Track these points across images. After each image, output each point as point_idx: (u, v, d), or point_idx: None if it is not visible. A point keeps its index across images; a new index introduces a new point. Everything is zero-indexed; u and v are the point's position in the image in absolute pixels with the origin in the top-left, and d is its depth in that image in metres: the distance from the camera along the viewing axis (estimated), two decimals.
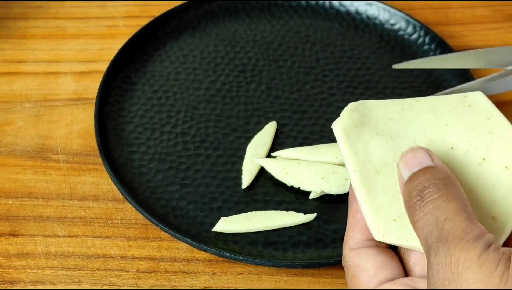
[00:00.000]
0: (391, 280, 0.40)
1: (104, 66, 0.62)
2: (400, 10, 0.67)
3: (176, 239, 0.51)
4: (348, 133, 0.42)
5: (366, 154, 0.42)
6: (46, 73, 0.63)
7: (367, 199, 0.40)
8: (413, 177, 0.39)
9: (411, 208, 0.38)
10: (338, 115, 0.60)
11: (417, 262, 0.41)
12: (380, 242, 0.41)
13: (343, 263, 0.43)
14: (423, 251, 0.37)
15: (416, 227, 0.37)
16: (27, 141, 0.58)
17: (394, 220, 0.40)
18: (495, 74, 0.49)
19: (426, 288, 0.38)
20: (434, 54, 0.65)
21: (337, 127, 0.43)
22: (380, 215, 0.40)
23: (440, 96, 0.45)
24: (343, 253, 0.42)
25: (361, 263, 0.41)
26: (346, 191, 0.53)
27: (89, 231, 0.52)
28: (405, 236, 0.40)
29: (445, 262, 0.35)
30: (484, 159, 0.42)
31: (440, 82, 0.63)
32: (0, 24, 0.68)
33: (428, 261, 0.36)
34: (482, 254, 0.34)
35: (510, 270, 0.33)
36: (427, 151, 0.39)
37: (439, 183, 0.38)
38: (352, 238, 0.42)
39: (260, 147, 0.56)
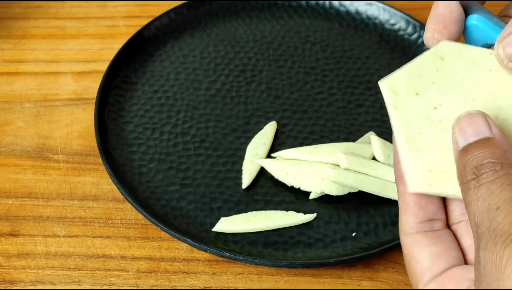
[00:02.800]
0: (444, 271, 0.39)
1: (104, 66, 0.62)
2: (400, 10, 0.67)
3: (176, 239, 0.51)
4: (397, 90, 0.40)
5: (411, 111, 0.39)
6: (46, 73, 0.63)
7: (407, 150, 0.38)
8: (469, 148, 0.37)
9: (465, 185, 0.36)
10: (338, 115, 0.60)
11: (468, 233, 0.40)
12: (434, 224, 0.40)
13: (403, 249, 0.41)
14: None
15: (468, 209, 0.36)
16: (27, 141, 0.58)
17: (430, 170, 0.38)
18: None
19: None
20: None
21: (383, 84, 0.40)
22: (418, 165, 0.38)
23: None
24: (400, 238, 0.41)
25: (415, 254, 0.40)
26: (346, 192, 0.53)
27: (89, 231, 0.52)
28: (447, 185, 0.38)
29: (491, 258, 0.33)
30: None
31: None
32: (0, 24, 0.68)
33: (476, 253, 0.35)
34: None
35: None
36: (486, 118, 0.37)
37: (496, 163, 0.36)
38: (405, 223, 0.41)
39: (260, 147, 0.56)
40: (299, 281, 0.50)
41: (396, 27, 0.67)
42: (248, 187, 0.54)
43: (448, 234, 0.41)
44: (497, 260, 0.33)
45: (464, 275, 0.39)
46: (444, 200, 0.41)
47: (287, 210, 0.53)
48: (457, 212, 0.41)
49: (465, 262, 0.40)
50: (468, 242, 0.40)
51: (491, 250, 0.34)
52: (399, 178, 0.41)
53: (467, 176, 0.37)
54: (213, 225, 0.52)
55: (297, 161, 0.54)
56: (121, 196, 0.54)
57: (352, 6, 0.69)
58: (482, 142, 0.37)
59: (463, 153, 0.37)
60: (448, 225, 0.41)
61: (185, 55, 0.64)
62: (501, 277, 0.33)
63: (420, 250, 0.40)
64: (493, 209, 0.34)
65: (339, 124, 0.59)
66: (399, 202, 0.41)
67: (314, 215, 0.53)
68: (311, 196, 0.54)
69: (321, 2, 0.69)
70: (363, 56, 0.65)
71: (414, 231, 0.41)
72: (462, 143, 0.37)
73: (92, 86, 0.62)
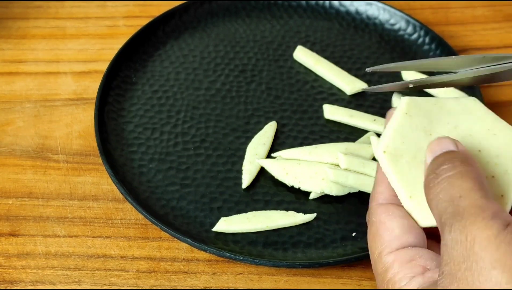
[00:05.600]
0: (413, 246, 0.40)
1: (104, 66, 0.62)
2: (400, 10, 0.67)
3: (176, 239, 0.51)
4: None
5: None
6: (46, 73, 0.63)
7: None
8: (434, 159, 0.39)
9: (426, 187, 0.38)
10: None
11: None
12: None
13: (367, 218, 0.42)
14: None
15: (431, 205, 0.37)
16: (27, 141, 0.58)
17: (410, 197, 0.41)
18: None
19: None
20: (434, 54, 0.65)
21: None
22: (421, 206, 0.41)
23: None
24: (369, 207, 0.42)
25: (386, 221, 0.41)
26: (346, 193, 0.53)
27: (89, 231, 0.52)
28: (421, 215, 0.40)
29: (460, 239, 0.34)
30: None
31: None
32: (0, 24, 0.68)
33: (442, 238, 0.36)
34: (499, 233, 0.33)
35: None
36: (453, 140, 0.39)
37: (455, 160, 0.37)
38: (380, 193, 0.42)
39: (260, 147, 0.56)
40: (299, 281, 0.50)
41: (396, 27, 0.67)
42: (248, 187, 0.54)
43: None
44: (468, 241, 0.34)
45: (434, 257, 0.39)
46: None
47: (287, 210, 0.53)
48: None
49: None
50: None
51: (459, 231, 0.34)
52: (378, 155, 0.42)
53: (428, 177, 0.38)
54: (213, 225, 0.52)
55: (297, 161, 0.54)
56: (121, 196, 0.54)
57: (352, 6, 0.69)
58: (446, 153, 0.39)
59: (429, 165, 0.39)
60: None
61: (185, 55, 0.64)
62: (474, 258, 0.33)
63: (392, 220, 0.41)
64: (456, 197, 0.36)
65: (339, 124, 0.59)
66: (376, 175, 0.43)
67: (314, 215, 0.53)
68: (311, 196, 0.54)
69: (321, 2, 0.69)
70: (363, 56, 0.65)
71: (387, 202, 0.41)
72: (429, 160, 0.39)
73: (92, 86, 0.62)
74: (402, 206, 0.42)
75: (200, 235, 0.51)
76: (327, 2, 0.69)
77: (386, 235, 0.40)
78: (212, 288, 0.49)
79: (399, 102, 0.44)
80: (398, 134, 0.43)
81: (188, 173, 0.55)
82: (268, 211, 0.52)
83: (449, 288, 0.34)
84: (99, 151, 0.54)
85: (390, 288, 0.39)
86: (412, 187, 0.41)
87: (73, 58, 0.65)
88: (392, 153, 0.42)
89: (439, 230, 0.37)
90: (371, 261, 0.41)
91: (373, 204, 0.42)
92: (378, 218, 0.41)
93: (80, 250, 0.51)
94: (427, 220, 0.40)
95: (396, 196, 0.42)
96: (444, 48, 0.65)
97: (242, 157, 0.56)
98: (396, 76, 0.63)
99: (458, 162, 0.37)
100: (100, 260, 0.50)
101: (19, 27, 0.68)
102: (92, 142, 0.58)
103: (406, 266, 0.39)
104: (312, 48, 0.65)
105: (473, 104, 0.45)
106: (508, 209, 0.40)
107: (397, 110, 0.44)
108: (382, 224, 0.41)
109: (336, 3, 0.69)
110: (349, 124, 0.59)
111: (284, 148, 0.57)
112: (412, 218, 0.41)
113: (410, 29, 0.67)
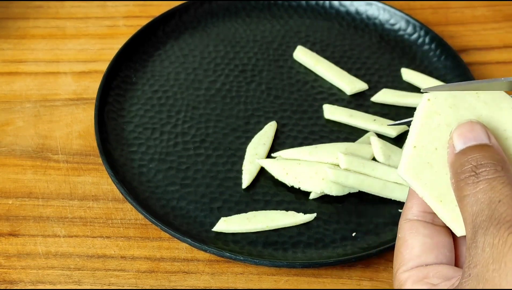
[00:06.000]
0: (431, 265, 0.40)
1: (104, 66, 0.62)
2: (400, 10, 0.67)
3: (176, 239, 0.51)
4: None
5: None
6: (46, 73, 0.63)
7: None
8: (467, 150, 0.38)
9: (461, 181, 0.37)
10: None
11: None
12: (437, 218, 0.40)
13: (397, 232, 0.42)
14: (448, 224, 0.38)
15: (464, 202, 0.37)
16: (27, 141, 0.58)
17: (441, 201, 0.40)
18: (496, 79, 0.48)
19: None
20: (434, 54, 0.65)
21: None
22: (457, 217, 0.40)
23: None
24: (399, 223, 0.42)
25: (409, 239, 0.40)
26: (346, 193, 0.53)
27: (89, 231, 0.52)
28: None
29: (493, 242, 0.34)
30: None
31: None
32: (0, 24, 0.68)
33: (473, 239, 0.36)
34: None
35: None
36: (485, 128, 0.39)
37: (497, 164, 0.37)
38: (409, 208, 0.41)
39: (260, 147, 0.56)
40: (299, 281, 0.50)
41: (396, 27, 0.67)
42: (248, 187, 0.54)
43: (447, 233, 0.41)
44: (499, 243, 0.34)
45: (451, 274, 0.39)
46: None
47: (287, 210, 0.53)
48: None
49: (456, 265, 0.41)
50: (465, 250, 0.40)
51: (493, 235, 0.35)
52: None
53: (465, 173, 0.37)
54: (213, 225, 0.52)
55: (297, 161, 0.54)
56: (121, 196, 0.54)
57: (352, 6, 0.69)
58: (482, 147, 0.38)
59: (461, 154, 0.38)
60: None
61: (185, 55, 0.64)
62: (503, 259, 0.34)
63: (415, 237, 0.41)
64: (495, 201, 0.35)
65: (339, 124, 0.59)
66: (409, 189, 0.42)
67: (314, 215, 0.53)
68: (311, 196, 0.54)
69: (321, 2, 0.69)
70: (363, 56, 0.65)
71: (415, 218, 0.41)
72: (460, 146, 0.38)
73: (92, 86, 0.62)
74: (431, 223, 0.41)
75: (200, 235, 0.51)
76: (327, 2, 0.69)
77: (406, 253, 0.40)
78: (212, 288, 0.49)
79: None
80: (417, 147, 0.41)
81: (188, 173, 0.55)
82: (268, 211, 0.52)
83: (476, 288, 0.34)
84: (99, 151, 0.54)
85: None
86: (440, 192, 0.40)
87: (73, 58, 0.65)
88: (412, 167, 0.41)
89: (468, 229, 0.36)
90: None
91: (401, 220, 0.42)
92: (402, 235, 0.41)
93: (80, 250, 0.51)
94: (462, 228, 0.39)
95: (425, 212, 0.41)
96: (444, 48, 0.65)
97: (242, 157, 0.56)
98: (397, 76, 0.63)
99: (499, 166, 0.37)
100: (100, 260, 0.50)
101: (19, 27, 0.68)
102: (92, 142, 0.58)
103: (418, 284, 0.39)
104: (312, 48, 0.65)
105: (502, 96, 0.42)
106: None
107: (418, 111, 0.42)
108: (404, 241, 0.41)
109: (336, 3, 0.69)
110: (349, 124, 0.59)
111: (284, 148, 0.57)
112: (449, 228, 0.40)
113: (410, 29, 0.67)
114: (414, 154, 0.40)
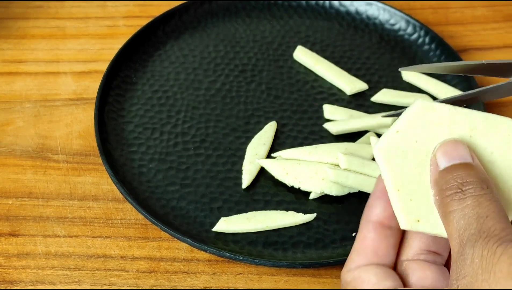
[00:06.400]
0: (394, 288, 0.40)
1: (104, 66, 0.62)
2: (400, 10, 0.67)
3: (176, 239, 0.51)
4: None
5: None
6: (46, 73, 0.63)
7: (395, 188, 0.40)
8: (452, 168, 0.38)
9: (447, 197, 0.38)
10: None
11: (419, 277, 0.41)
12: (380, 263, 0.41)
13: (342, 283, 0.41)
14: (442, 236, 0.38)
15: (450, 217, 0.38)
16: (27, 141, 0.58)
17: (398, 190, 0.40)
18: (500, 84, 0.49)
19: None
20: (434, 54, 0.65)
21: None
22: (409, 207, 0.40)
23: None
24: (341, 276, 0.41)
25: (361, 275, 0.40)
26: (346, 193, 0.53)
27: (89, 231, 0.52)
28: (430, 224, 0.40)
29: (481, 253, 0.35)
30: None
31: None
32: (0, 24, 0.68)
33: (461, 252, 0.36)
34: None
35: None
36: (468, 148, 0.39)
37: (482, 183, 0.38)
38: (353, 260, 0.41)
39: (260, 147, 0.56)
40: (299, 281, 0.50)
41: (396, 27, 0.67)
42: (248, 187, 0.54)
43: (393, 271, 0.42)
44: (488, 254, 0.35)
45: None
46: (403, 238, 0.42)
47: (287, 210, 0.53)
48: (414, 250, 0.42)
49: None
50: (417, 275, 0.41)
51: (482, 247, 0.35)
52: (365, 221, 0.42)
53: (451, 190, 0.38)
54: (213, 225, 0.52)
55: (297, 161, 0.54)
56: (121, 196, 0.54)
57: (352, 6, 0.69)
58: (466, 165, 0.39)
59: (445, 172, 0.39)
60: (395, 264, 0.42)
61: (185, 55, 0.64)
62: (493, 269, 0.34)
63: (367, 272, 0.41)
64: (483, 217, 0.36)
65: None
66: (355, 243, 0.42)
67: (314, 215, 0.53)
68: (311, 196, 0.54)
69: (321, 2, 0.69)
70: (363, 56, 0.65)
71: (360, 266, 0.41)
72: (444, 164, 0.39)
73: (92, 86, 0.62)
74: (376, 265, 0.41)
75: (200, 235, 0.51)
76: (327, 2, 0.69)
77: (365, 286, 0.40)
78: (212, 288, 0.49)
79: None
80: (400, 133, 0.41)
81: (188, 173, 0.55)
82: (268, 211, 0.53)
83: None
84: (99, 151, 0.54)
85: None
86: (402, 182, 0.40)
87: (73, 58, 0.65)
88: (387, 149, 0.41)
89: (455, 243, 0.37)
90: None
91: (343, 272, 0.41)
92: (352, 277, 0.41)
93: (80, 250, 0.51)
94: (408, 222, 0.40)
95: (369, 264, 0.41)
96: (444, 48, 0.65)
97: (242, 157, 0.56)
98: (397, 76, 0.63)
99: (485, 184, 0.38)
100: (100, 260, 0.50)
101: (19, 27, 0.68)
102: (92, 142, 0.58)
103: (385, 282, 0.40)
104: (312, 48, 0.65)
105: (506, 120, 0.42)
106: None
107: (418, 102, 0.42)
108: (358, 278, 0.40)
109: (336, 3, 0.69)
110: None
111: (284, 148, 0.57)
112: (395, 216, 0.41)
113: (410, 29, 0.67)
114: (394, 138, 0.41)
